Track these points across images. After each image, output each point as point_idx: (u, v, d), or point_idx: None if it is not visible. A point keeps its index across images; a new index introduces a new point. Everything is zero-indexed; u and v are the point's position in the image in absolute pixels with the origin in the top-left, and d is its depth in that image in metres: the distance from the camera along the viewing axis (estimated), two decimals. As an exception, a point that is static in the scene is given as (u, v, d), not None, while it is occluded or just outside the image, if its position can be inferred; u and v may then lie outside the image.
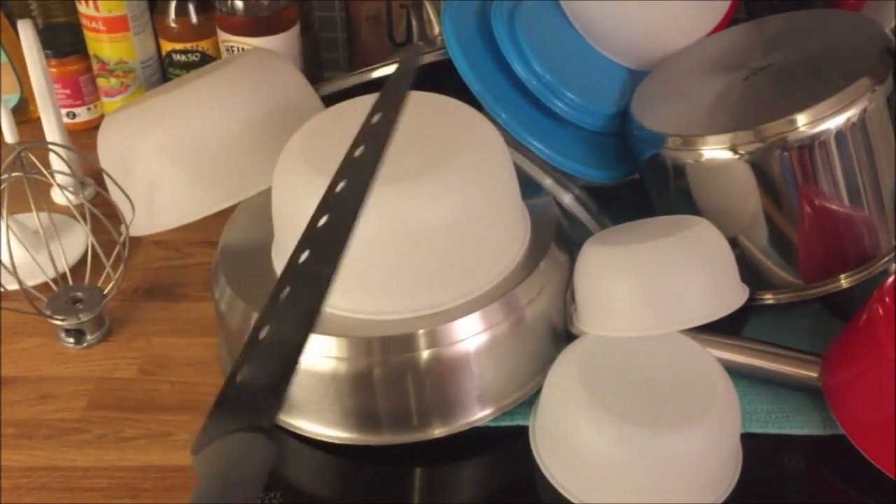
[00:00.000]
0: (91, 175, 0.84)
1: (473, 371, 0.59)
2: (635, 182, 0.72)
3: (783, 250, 0.64)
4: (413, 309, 0.57)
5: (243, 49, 0.87)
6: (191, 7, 0.90)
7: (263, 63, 0.79)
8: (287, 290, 0.36)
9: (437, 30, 0.87)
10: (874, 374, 0.57)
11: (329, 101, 0.73)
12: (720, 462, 0.56)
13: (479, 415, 0.60)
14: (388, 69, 0.81)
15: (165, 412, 0.64)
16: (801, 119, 0.58)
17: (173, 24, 0.91)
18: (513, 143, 0.67)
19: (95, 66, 0.94)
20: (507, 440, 0.61)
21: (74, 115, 0.95)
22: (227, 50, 0.89)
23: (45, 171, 0.67)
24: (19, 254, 0.68)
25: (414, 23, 0.91)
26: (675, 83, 0.72)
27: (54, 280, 0.68)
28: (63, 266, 0.69)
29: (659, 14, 0.75)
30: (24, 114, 0.94)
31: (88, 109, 0.96)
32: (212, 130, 0.72)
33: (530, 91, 0.70)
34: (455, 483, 0.62)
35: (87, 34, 0.92)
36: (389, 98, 0.42)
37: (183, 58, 0.93)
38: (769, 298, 0.66)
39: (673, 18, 0.76)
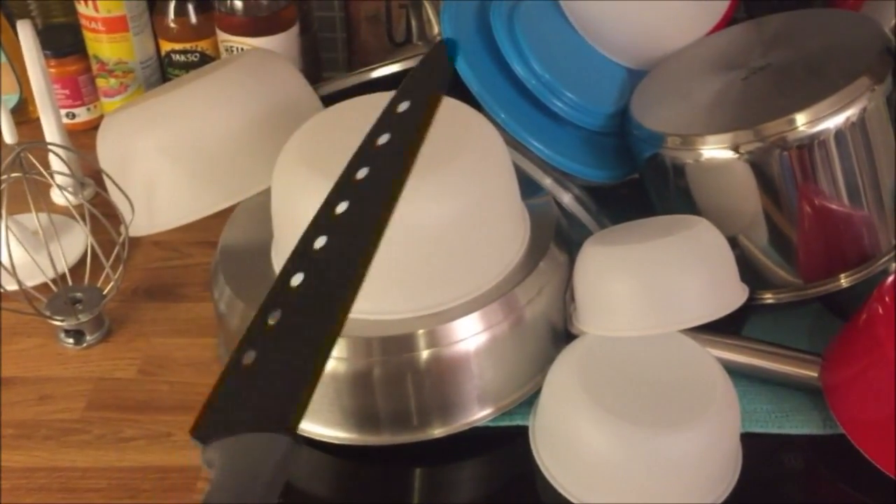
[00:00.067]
0: (90, 175, 0.84)
1: (473, 371, 0.59)
2: (635, 182, 0.72)
3: (783, 250, 0.64)
4: (412, 309, 0.57)
5: (242, 49, 0.87)
6: (190, 7, 0.90)
7: (263, 63, 0.79)
8: (302, 277, 0.35)
9: (436, 29, 0.87)
10: (874, 374, 0.57)
11: (328, 101, 0.73)
12: (720, 462, 0.56)
13: (479, 415, 0.60)
14: (388, 69, 0.81)
15: (165, 412, 0.64)
16: (801, 118, 0.58)
17: (172, 25, 0.91)
18: (512, 142, 0.67)
19: (95, 67, 0.94)
20: (506, 440, 0.61)
21: (74, 116, 0.95)
22: (227, 50, 0.89)
23: (44, 172, 0.67)
24: (19, 254, 0.68)
25: (413, 23, 0.91)
26: (674, 83, 0.72)
27: (54, 280, 0.68)
28: (62, 266, 0.69)
29: (658, 14, 0.75)
30: (23, 114, 0.94)
31: (88, 110, 0.96)
32: (211, 131, 0.72)
33: (530, 91, 0.70)
34: (455, 483, 0.62)
35: (87, 34, 0.92)
36: (417, 86, 0.41)
37: (182, 58, 0.93)
38: (769, 298, 0.66)
39: (672, 18, 0.76)
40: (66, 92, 0.94)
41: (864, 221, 0.63)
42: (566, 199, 0.69)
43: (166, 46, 0.93)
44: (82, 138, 0.91)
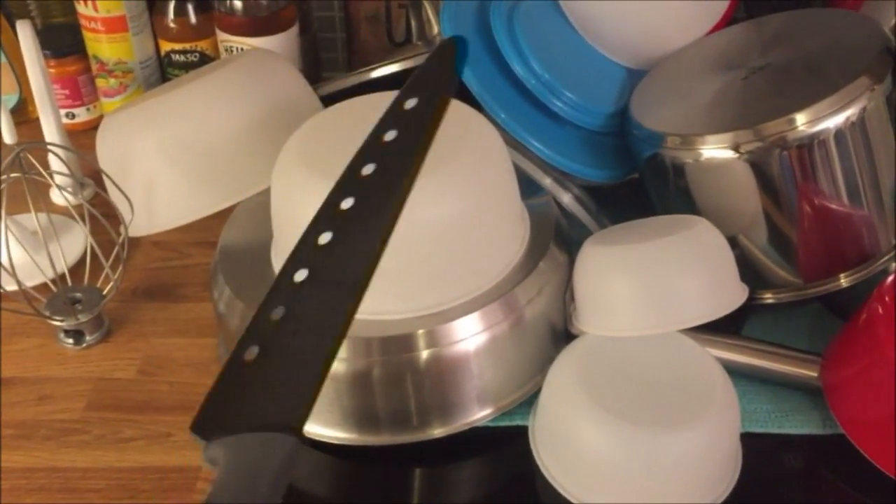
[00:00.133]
0: (90, 175, 0.84)
1: (473, 371, 0.59)
2: (634, 181, 0.72)
3: (783, 250, 0.64)
4: (412, 309, 0.57)
5: (242, 49, 0.87)
6: (189, 7, 0.90)
7: (262, 63, 0.79)
8: (306, 273, 0.34)
9: (435, 29, 0.87)
10: (874, 374, 0.57)
11: (328, 101, 0.73)
12: (720, 462, 0.56)
13: (479, 415, 0.60)
14: (388, 69, 0.81)
15: (164, 413, 0.64)
16: (801, 118, 0.58)
17: (172, 25, 0.91)
18: (512, 142, 0.67)
19: (94, 67, 0.94)
20: (506, 440, 0.61)
21: (73, 116, 0.95)
22: (226, 50, 0.89)
23: (43, 172, 0.67)
24: (18, 254, 0.68)
25: (413, 22, 0.91)
26: (674, 82, 0.72)
27: (53, 281, 0.68)
28: (62, 267, 0.69)
29: (658, 13, 0.75)
30: (22, 114, 0.94)
31: (87, 110, 0.96)
32: (211, 131, 0.72)
33: (529, 90, 0.70)
34: (454, 483, 0.62)
35: (86, 34, 0.92)
36: (426, 83, 0.40)
37: (182, 58, 0.93)
38: (769, 298, 0.66)
39: (672, 18, 0.76)
40: (66, 92, 0.94)
41: (864, 221, 0.63)
42: (566, 198, 0.69)
43: (166, 46, 0.93)
44: (82, 138, 0.91)
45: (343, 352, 0.57)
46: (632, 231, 0.63)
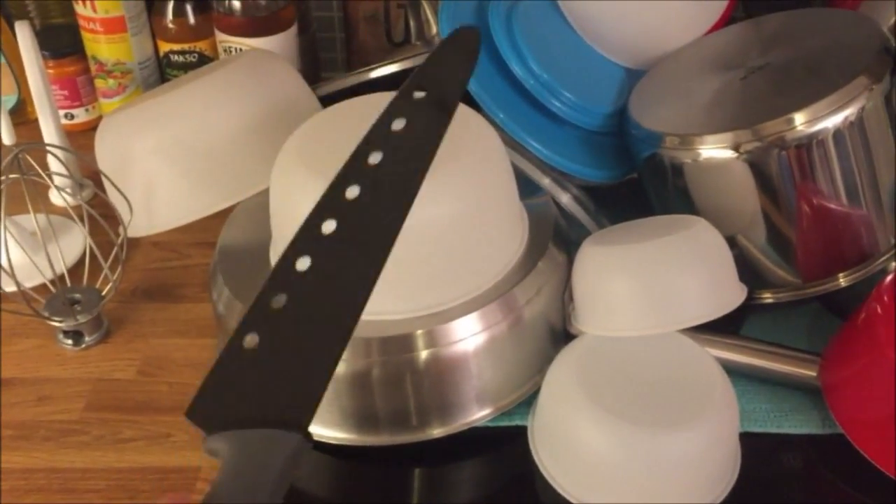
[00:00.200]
0: (89, 176, 0.84)
1: (472, 371, 0.59)
2: (633, 181, 0.72)
3: (781, 249, 0.64)
4: (411, 309, 0.57)
5: (241, 49, 0.87)
6: (188, 8, 0.90)
7: (261, 63, 0.79)
8: (309, 261, 0.33)
9: (434, 29, 0.87)
10: (873, 373, 0.57)
11: (327, 101, 0.73)
12: (719, 461, 0.56)
13: (478, 415, 0.60)
14: (387, 69, 0.81)
15: (164, 413, 0.64)
16: (799, 118, 0.58)
17: (171, 25, 0.91)
18: (511, 142, 0.67)
19: (93, 67, 0.94)
20: (505, 440, 0.61)
21: (72, 117, 0.95)
22: (225, 50, 0.89)
23: (42, 173, 0.67)
24: (17, 255, 0.68)
25: (412, 22, 0.91)
26: (672, 82, 0.72)
27: (52, 281, 0.68)
28: (61, 267, 0.69)
29: (657, 13, 0.75)
30: (21, 115, 0.94)
31: (86, 110, 0.96)
32: (210, 131, 0.72)
33: (528, 91, 0.70)
34: (454, 483, 0.62)
35: (85, 35, 0.92)
36: (439, 71, 0.38)
37: (181, 58, 0.93)
38: (768, 297, 0.66)
39: (671, 18, 0.76)
40: (65, 93, 0.94)
41: (863, 221, 0.63)
42: (565, 198, 0.69)
43: (165, 47, 0.93)
44: (81, 139, 0.91)
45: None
46: (631, 231, 0.63)
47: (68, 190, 0.77)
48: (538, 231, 0.64)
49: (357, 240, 0.34)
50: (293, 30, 0.89)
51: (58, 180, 0.75)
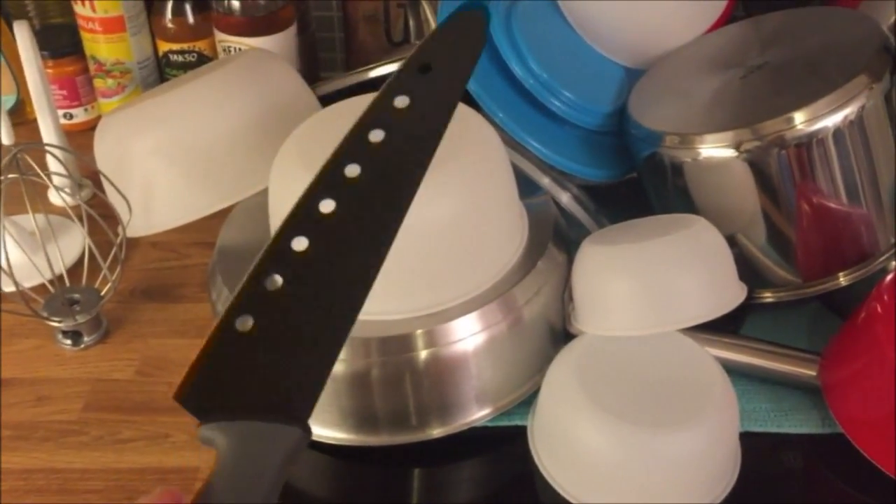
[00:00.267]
0: (88, 176, 0.84)
1: (471, 371, 0.59)
2: (633, 181, 0.72)
3: (781, 249, 0.64)
4: (411, 309, 0.57)
5: (240, 49, 0.87)
6: (187, 7, 0.90)
7: (260, 63, 0.79)
8: (306, 242, 0.31)
9: (433, 29, 0.87)
10: (873, 373, 0.57)
11: (326, 100, 0.73)
12: (719, 461, 0.56)
13: (478, 415, 0.60)
14: (386, 69, 0.81)
15: (163, 414, 0.64)
16: (799, 117, 0.58)
17: (170, 25, 0.91)
18: (510, 142, 0.67)
19: (92, 67, 0.94)
20: (505, 440, 0.61)
21: (71, 116, 0.95)
22: (224, 50, 0.88)
23: (41, 173, 0.67)
24: (16, 255, 0.68)
25: (411, 22, 0.91)
26: (672, 81, 0.72)
27: (51, 282, 0.68)
28: (60, 268, 0.69)
29: (656, 12, 0.75)
30: (20, 115, 0.94)
31: (85, 110, 0.96)
32: (209, 131, 0.72)
33: (527, 90, 0.69)
34: (453, 483, 0.62)
35: (84, 35, 0.92)
36: (441, 46, 0.36)
37: (180, 58, 0.93)
38: (768, 297, 0.66)
39: (670, 17, 0.76)
40: (64, 92, 0.94)
41: (863, 220, 0.63)
42: (564, 198, 0.69)
43: (164, 47, 0.93)
44: (80, 139, 0.91)
45: (341, 352, 0.57)
46: (630, 230, 0.63)
47: (67, 190, 0.77)
48: (538, 230, 0.64)
49: (360, 221, 0.32)
50: (292, 29, 0.89)
51: (57, 180, 0.75)
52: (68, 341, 0.69)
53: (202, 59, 0.92)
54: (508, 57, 0.69)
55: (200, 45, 0.92)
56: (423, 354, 0.57)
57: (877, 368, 0.56)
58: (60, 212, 0.77)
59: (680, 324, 0.58)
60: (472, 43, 0.37)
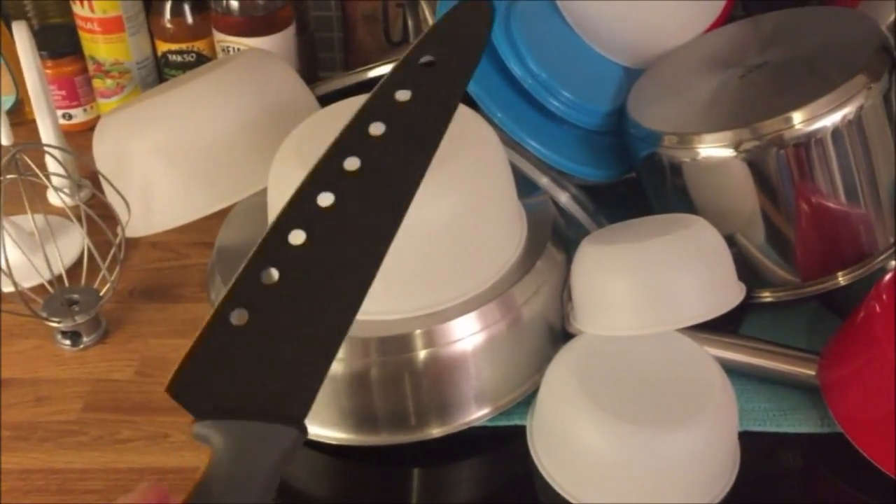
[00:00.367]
0: (87, 176, 0.84)
1: (470, 371, 0.59)
2: (632, 180, 0.72)
3: (780, 248, 0.64)
4: (410, 309, 0.57)
5: (239, 49, 0.87)
6: (186, 7, 0.90)
7: (259, 63, 0.79)
8: (304, 235, 0.31)
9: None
10: (872, 372, 0.57)
11: (325, 100, 0.73)
12: (718, 461, 0.56)
13: (477, 414, 0.60)
14: (385, 69, 0.81)
15: (162, 414, 0.64)
16: (798, 116, 0.58)
17: (169, 25, 0.91)
18: (509, 142, 0.67)
19: (91, 67, 0.94)
20: (504, 440, 0.61)
21: (70, 117, 0.95)
22: (223, 50, 0.88)
23: (40, 174, 0.67)
24: (15, 256, 0.68)
25: (410, 22, 0.91)
26: (671, 81, 0.71)
27: (50, 282, 0.68)
28: (59, 268, 0.69)
29: (655, 12, 0.75)
30: (19, 115, 0.94)
31: (84, 111, 0.96)
32: (208, 131, 0.72)
33: (526, 90, 0.69)
34: (453, 483, 0.62)
35: (83, 35, 0.92)
36: (445, 38, 0.35)
37: (179, 58, 0.93)
38: (767, 296, 0.66)
39: (669, 16, 0.76)
40: (63, 93, 0.94)
41: (862, 219, 0.63)
42: (563, 198, 0.69)
43: (163, 47, 0.93)
44: (79, 139, 0.91)
45: (340, 352, 0.56)
46: (629, 230, 0.63)
47: (66, 190, 0.77)
48: (537, 230, 0.64)
49: (360, 216, 0.32)
50: (291, 29, 0.89)
51: (56, 181, 0.75)
52: (67, 342, 0.69)
53: (201, 60, 0.92)
54: (507, 57, 0.69)
55: (199, 46, 0.92)
56: (423, 354, 0.57)
57: (876, 368, 0.56)
58: (59, 212, 0.77)
59: (679, 323, 0.58)
60: (477, 37, 0.36)
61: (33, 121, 0.80)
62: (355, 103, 0.63)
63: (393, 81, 0.35)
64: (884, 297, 0.57)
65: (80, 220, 0.68)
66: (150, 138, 0.72)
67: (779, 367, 0.62)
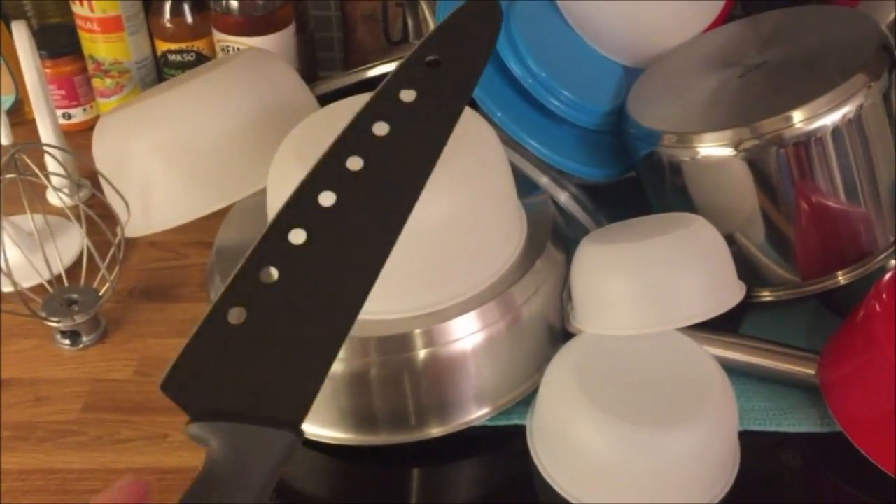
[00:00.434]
0: (86, 176, 0.84)
1: (470, 370, 0.59)
2: (631, 180, 0.72)
3: (780, 247, 0.64)
4: (409, 308, 0.57)
5: (239, 49, 0.87)
6: (186, 7, 0.90)
7: (259, 63, 0.79)
8: (305, 235, 0.30)
9: (432, 28, 0.87)
10: (871, 371, 0.57)
11: (325, 100, 0.73)
12: (718, 460, 0.56)
13: (476, 414, 0.60)
14: (385, 68, 0.81)
15: (161, 414, 0.63)
16: (798, 116, 0.58)
17: (168, 24, 0.91)
18: (509, 141, 0.67)
19: (91, 67, 0.94)
20: (504, 440, 0.61)
21: (70, 116, 0.95)
22: (223, 50, 0.88)
23: (39, 174, 0.67)
24: (14, 256, 0.68)
25: (410, 21, 0.91)
26: (671, 80, 0.71)
27: (50, 282, 0.68)
28: (58, 268, 0.69)
29: (655, 11, 0.75)
30: (19, 115, 0.94)
31: (84, 110, 0.96)
32: (207, 131, 0.72)
33: (526, 89, 0.69)
34: (452, 483, 0.62)
35: (82, 35, 0.92)
36: (451, 37, 0.34)
37: (178, 58, 0.93)
38: (766, 296, 0.66)
39: (669, 16, 0.76)
40: (62, 92, 0.94)
41: (862, 218, 0.63)
42: (563, 197, 0.69)
43: (162, 46, 0.93)
44: (78, 139, 0.91)
45: (340, 352, 0.57)
46: (629, 229, 0.63)
47: (65, 190, 0.77)
48: (536, 230, 0.64)
49: (363, 217, 0.31)
50: (291, 29, 0.89)
51: (55, 180, 0.75)
52: (67, 341, 0.69)
53: (201, 59, 0.92)
54: (507, 56, 0.69)
55: (199, 45, 0.92)
56: (422, 354, 0.57)
57: (876, 367, 0.56)
58: (59, 212, 0.77)
59: (678, 323, 0.58)
60: (485, 37, 0.36)
61: (33, 120, 0.80)
62: (355, 103, 0.63)
63: (398, 81, 0.34)
64: (884, 296, 0.57)
65: (79, 219, 0.68)
66: (150, 138, 0.72)
67: (778, 367, 0.62)
